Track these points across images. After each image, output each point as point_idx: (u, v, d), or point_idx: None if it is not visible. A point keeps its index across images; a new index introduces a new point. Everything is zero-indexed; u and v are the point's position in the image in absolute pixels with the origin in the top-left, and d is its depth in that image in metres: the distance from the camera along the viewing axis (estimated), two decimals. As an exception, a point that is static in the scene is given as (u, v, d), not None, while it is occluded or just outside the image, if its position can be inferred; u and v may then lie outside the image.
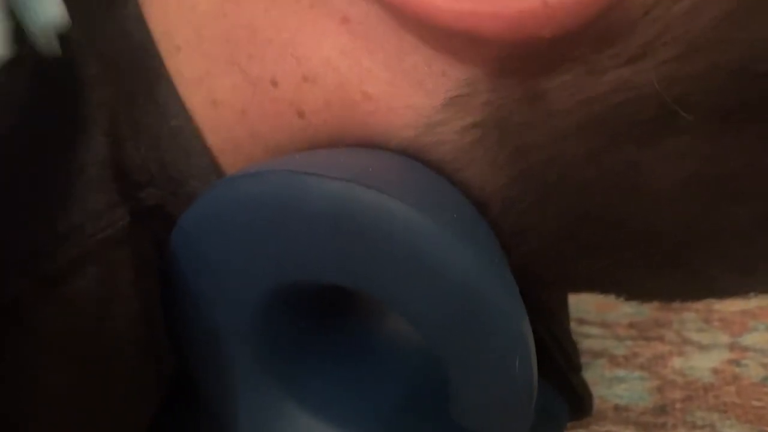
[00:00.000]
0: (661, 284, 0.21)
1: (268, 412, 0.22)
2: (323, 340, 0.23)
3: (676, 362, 0.29)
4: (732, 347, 0.31)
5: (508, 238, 0.18)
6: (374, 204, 0.16)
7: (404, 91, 0.18)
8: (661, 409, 0.26)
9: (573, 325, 0.29)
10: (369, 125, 0.18)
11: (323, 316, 0.24)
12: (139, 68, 0.19)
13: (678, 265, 0.20)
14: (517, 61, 0.17)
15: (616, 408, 0.26)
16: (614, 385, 0.27)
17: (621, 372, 0.28)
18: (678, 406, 0.26)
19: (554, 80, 0.16)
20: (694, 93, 0.16)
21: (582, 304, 0.35)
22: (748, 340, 0.31)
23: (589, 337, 0.31)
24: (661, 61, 0.16)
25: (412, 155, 0.18)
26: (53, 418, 0.17)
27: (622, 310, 0.35)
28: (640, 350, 0.30)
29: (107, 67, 0.19)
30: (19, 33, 0.16)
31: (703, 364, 0.29)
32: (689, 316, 0.34)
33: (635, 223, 0.19)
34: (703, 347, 0.31)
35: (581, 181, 0.18)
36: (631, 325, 0.33)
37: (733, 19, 0.15)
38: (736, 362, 0.29)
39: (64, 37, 0.18)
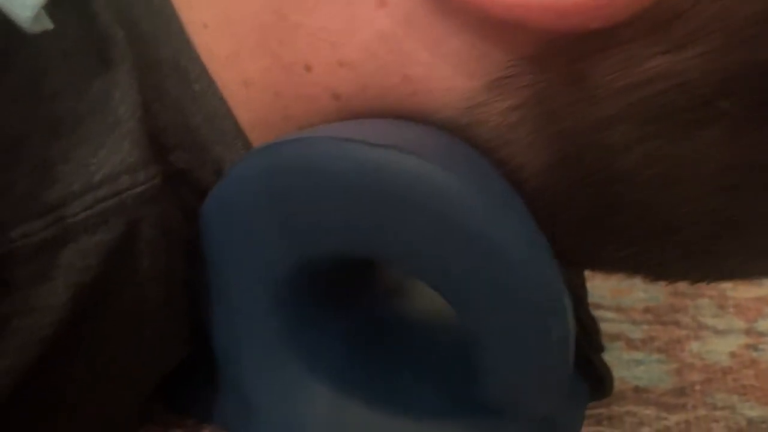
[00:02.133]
0: (687, 269, 0.21)
1: (290, 385, 0.21)
2: (344, 319, 0.23)
3: (694, 346, 0.29)
4: (748, 332, 0.31)
5: (539, 220, 0.18)
6: (416, 171, 0.16)
7: (445, 74, 0.18)
8: (681, 391, 0.26)
9: (592, 307, 0.28)
10: (407, 107, 0.18)
11: (344, 296, 0.24)
12: (160, 34, 0.19)
13: (705, 252, 0.20)
14: (561, 45, 0.17)
15: (636, 389, 0.26)
16: (632, 368, 0.27)
17: (639, 355, 0.28)
18: (697, 388, 0.26)
19: (598, 65, 0.16)
20: (733, 83, 0.16)
21: (596, 290, 0.35)
22: (764, 326, 0.31)
23: (604, 321, 0.31)
24: (704, 51, 0.16)
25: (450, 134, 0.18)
26: (73, 361, 0.17)
27: (637, 295, 0.35)
28: (656, 334, 0.30)
29: (129, 32, 0.19)
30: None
31: (720, 348, 0.29)
32: (704, 302, 0.34)
33: (665, 212, 0.19)
34: (719, 332, 0.31)
35: (618, 169, 0.18)
36: (646, 310, 0.33)
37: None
38: (753, 347, 0.29)
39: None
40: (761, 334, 0.30)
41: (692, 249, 0.19)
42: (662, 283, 0.36)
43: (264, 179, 0.18)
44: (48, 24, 0.15)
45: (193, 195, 0.19)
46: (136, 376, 0.19)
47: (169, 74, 0.19)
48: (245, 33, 0.19)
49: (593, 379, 0.25)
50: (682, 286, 0.36)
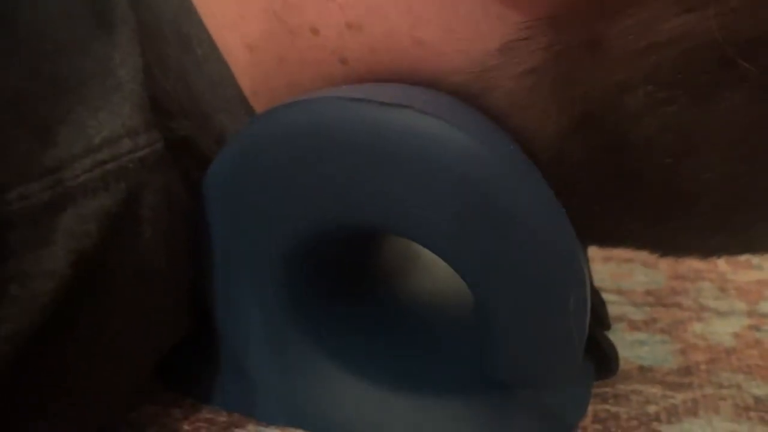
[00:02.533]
0: (703, 241, 0.21)
1: (295, 363, 0.21)
2: (348, 297, 0.23)
3: (697, 327, 0.29)
4: (750, 314, 0.30)
5: (556, 191, 0.17)
6: (434, 131, 0.15)
7: (457, 36, 0.17)
8: (686, 370, 0.25)
9: (597, 286, 0.28)
10: (417, 71, 0.18)
11: (346, 275, 0.23)
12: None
13: (723, 222, 0.20)
14: (579, 5, 0.16)
15: (641, 368, 0.25)
16: (636, 348, 0.27)
17: (642, 336, 0.28)
18: (702, 367, 0.26)
19: (615, 26, 0.16)
20: (757, 45, 0.16)
21: (596, 273, 0.34)
22: (766, 307, 0.31)
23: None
24: (727, 9, 0.15)
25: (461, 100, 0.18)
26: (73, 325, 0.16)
27: (638, 278, 0.34)
28: (658, 316, 0.30)
29: None
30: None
31: (723, 329, 0.29)
32: (705, 285, 0.34)
33: (684, 181, 0.18)
34: (721, 314, 0.30)
35: (636, 136, 0.17)
36: (647, 293, 0.33)
37: None
38: (756, 328, 0.29)
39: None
40: (763, 315, 0.30)
41: (710, 220, 0.19)
42: (662, 267, 0.36)
43: (269, 146, 0.17)
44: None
45: (195, 164, 0.19)
46: (135, 351, 0.19)
47: (171, 39, 0.18)
48: None
49: (599, 358, 0.24)
50: (682, 269, 0.36)
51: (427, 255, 0.26)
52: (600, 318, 0.26)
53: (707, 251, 0.21)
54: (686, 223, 0.19)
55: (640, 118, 0.17)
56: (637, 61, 0.16)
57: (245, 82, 0.19)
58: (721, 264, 0.37)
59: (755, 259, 0.38)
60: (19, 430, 0.16)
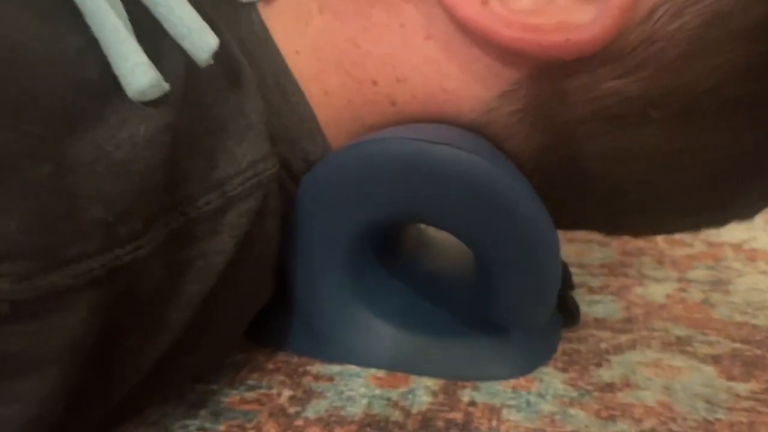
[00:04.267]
0: (637, 225, 0.30)
1: (352, 320, 0.30)
2: (385, 270, 0.31)
3: (638, 290, 0.38)
4: (680, 280, 0.40)
5: (536, 190, 0.26)
6: (464, 160, 0.24)
7: (471, 87, 0.26)
8: (628, 320, 0.34)
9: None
10: (443, 110, 0.26)
11: (388, 254, 0.32)
12: (266, 61, 0.27)
13: (649, 212, 0.29)
14: (549, 70, 0.25)
15: (596, 320, 0.34)
16: (593, 305, 0.36)
17: (597, 297, 0.37)
18: (640, 318, 0.35)
19: (573, 83, 0.25)
20: (661, 99, 0.24)
21: (563, 251, 0.43)
22: (692, 275, 0.40)
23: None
24: (642, 77, 0.24)
25: (472, 131, 0.26)
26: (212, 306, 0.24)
27: (594, 255, 0.43)
28: (610, 282, 0.39)
29: (248, 59, 0.26)
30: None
31: (658, 291, 0.38)
32: (646, 259, 0.43)
33: (620, 182, 0.27)
34: (657, 280, 0.40)
35: (586, 152, 0.26)
36: (602, 265, 0.42)
37: (687, 59, 0.23)
38: (683, 290, 0.38)
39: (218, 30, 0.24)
40: (689, 281, 0.40)
41: (640, 210, 0.28)
42: (614, 245, 0.45)
43: (348, 169, 0.25)
44: (211, 60, 0.22)
45: (288, 177, 0.27)
46: (248, 308, 0.27)
47: (273, 88, 0.26)
48: (328, 57, 0.26)
49: (566, 312, 0.33)
50: (629, 247, 0.45)
51: (436, 239, 0.35)
52: (567, 283, 0.35)
53: (637, 232, 0.30)
54: (620, 211, 0.28)
55: (589, 141, 0.25)
56: (587, 106, 0.25)
57: (321, 117, 0.27)
58: (660, 242, 0.46)
59: (688, 238, 0.47)
60: (180, 360, 0.24)
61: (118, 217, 0.18)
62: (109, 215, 0.18)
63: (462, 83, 0.26)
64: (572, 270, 0.40)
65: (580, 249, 0.44)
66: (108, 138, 0.18)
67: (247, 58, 0.25)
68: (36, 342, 0.17)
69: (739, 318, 0.34)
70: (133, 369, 0.21)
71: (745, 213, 0.29)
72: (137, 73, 0.19)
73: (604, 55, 0.24)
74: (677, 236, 0.47)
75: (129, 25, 0.20)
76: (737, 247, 0.45)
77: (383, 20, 0.26)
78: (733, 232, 0.48)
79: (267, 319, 0.30)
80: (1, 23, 0.18)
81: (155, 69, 0.20)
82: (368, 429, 0.25)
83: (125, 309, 0.19)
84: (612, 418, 0.26)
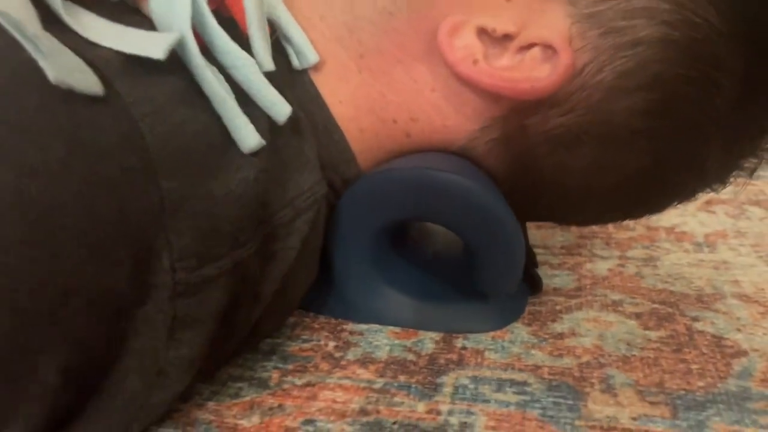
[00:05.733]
0: (580, 218, 0.41)
1: (376, 291, 0.41)
2: (399, 252, 0.42)
3: (588, 266, 0.49)
4: (621, 257, 0.51)
5: (506, 196, 0.37)
6: (459, 183, 0.35)
7: (462, 123, 0.37)
8: (578, 289, 0.46)
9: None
10: (442, 139, 0.37)
11: (400, 242, 0.43)
12: (315, 111, 0.37)
13: (584, 207, 0.40)
14: (516, 111, 0.36)
15: (554, 289, 0.46)
16: (553, 278, 0.47)
17: (556, 271, 0.48)
18: (588, 287, 0.46)
19: (531, 120, 0.36)
20: (588, 130, 0.35)
21: (532, 236, 0.55)
22: (630, 253, 0.52)
23: (537, 254, 0.51)
24: (578, 116, 0.35)
25: (461, 155, 0.37)
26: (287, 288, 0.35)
27: (556, 238, 0.55)
28: (567, 260, 0.51)
29: (304, 112, 0.36)
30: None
31: (603, 267, 0.49)
32: (597, 241, 0.54)
33: (567, 188, 0.38)
34: (604, 258, 0.51)
35: (544, 166, 0.37)
36: (561, 247, 0.53)
37: (605, 102, 0.34)
38: (622, 265, 0.50)
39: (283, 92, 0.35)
40: (628, 258, 0.51)
41: (579, 206, 0.39)
42: (573, 230, 0.57)
43: (376, 188, 0.36)
44: (285, 120, 0.33)
45: (332, 192, 0.38)
46: (304, 284, 0.38)
47: (322, 131, 0.37)
48: (362, 105, 0.37)
49: (531, 283, 0.44)
50: (585, 231, 0.56)
51: (434, 230, 0.46)
52: (532, 262, 0.46)
53: (580, 223, 0.41)
54: (566, 207, 0.39)
55: (543, 159, 0.37)
56: (541, 135, 0.36)
57: (356, 148, 0.38)
58: (610, 227, 0.58)
59: (632, 224, 0.58)
60: (263, 322, 0.35)
61: (238, 230, 0.29)
62: (234, 229, 0.29)
63: (456, 121, 0.37)
64: (537, 251, 0.52)
65: (546, 233, 0.56)
66: (231, 179, 0.29)
67: (303, 110, 0.36)
68: (196, 309, 0.28)
69: (660, 286, 0.46)
70: (243, 328, 0.32)
71: (654, 209, 0.41)
72: (248, 137, 0.30)
73: (552, 100, 0.35)
74: (624, 222, 0.59)
75: (235, 102, 0.30)
76: (669, 230, 0.57)
77: (402, 78, 0.36)
78: (669, 217, 0.59)
79: (311, 292, 0.41)
80: (181, 114, 0.28)
81: (257, 132, 0.30)
82: (392, 365, 0.36)
83: (240, 288, 0.30)
84: (560, 356, 0.37)
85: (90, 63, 0.26)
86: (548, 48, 0.34)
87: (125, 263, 0.25)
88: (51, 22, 0.27)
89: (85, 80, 0.24)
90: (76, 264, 0.24)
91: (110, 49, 0.27)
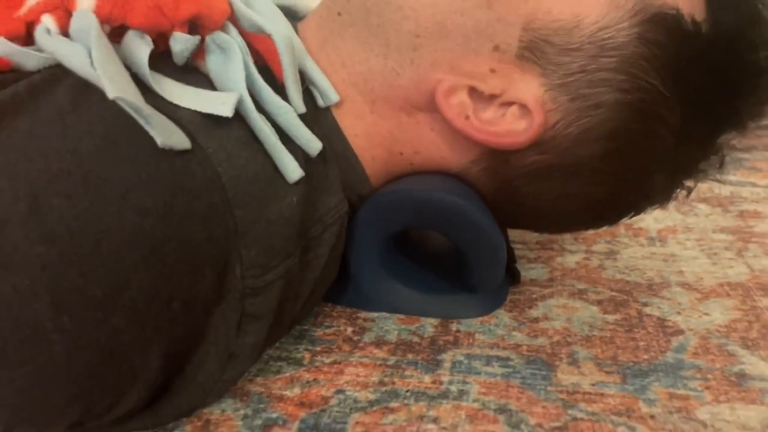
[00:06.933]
0: (553, 228, 0.50)
1: (385, 285, 0.50)
2: (402, 251, 0.51)
3: (559, 259, 0.59)
4: (586, 251, 0.60)
5: (494, 214, 0.46)
6: (453, 202, 0.43)
7: (456, 157, 0.46)
8: (551, 279, 0.55)
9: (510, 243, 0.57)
10: (440, 166, 0.46)
11: (402, 243, 0.52)
12: (337, 143, 0.45)
13: (555, 222, 0.49)
14: (499, 151, 0.44)
15: (531, 280, 0.55)
16: (529, 271, 0.56)
17: (532, 265, 0.58)
18: (558, 278, 0.55)
19: (512, 156, 0.45)
20: (558, 166, 0.45)
21: (512, 235, 0.64)
22: (595, 248, 0.61)
23: (516, 249, 0.60)
24: (549, 155, 0.44)
25: (455, 177, 0.46)
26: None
27: (533, 235, 0.64)
28: (542, 254, 0.60)
29: (325, 140, 0.44)
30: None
31: (571, 260, 0.58)
32: (568, 238, 0.63)
33: (541, 205, 0.47)
34: (572, 252, 0.60)
35: (521, 193, 0.46)
36: (537, 242, 0.62)
37: (572, 148, 0.43)
38: (587, 258, 0.59)
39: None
40: (592, 252, 0.60)
41: (551, 221, 0.48)
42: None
43: (386, 204, 0.45)
44: (319, 150, 0.41)
45: (350, 207, 0.46)
46: (327, 282, 0.46)
47: (342, 159, 0.45)
48: (374, 139, 0.45)
49: (511, 275, 0.53)
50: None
51: (431, 235, 0.55)
52: (512, 258, 0.55)
53: (552, 231, 0.51)
54: (540, 221, 0.48)
55: (521, 186, 0.45)
56: (520, 168, 0.44)
57: (369, 172, 0.46)
58: (579, 224, 0.67)
59: (597, 220, 0.67)
60: (299, 314, 0.43)
61: (288, 244, 0.37)
62: (285, 244, 0.37)
63: (451, 154, 0.45)
64: (516, 246, 0.61)
65: (523, 233, 0.64)
66: (281, 205, 0.37)
67: (326, 141, 0.44)
68: (259, 306, 0.36)
69: (618, 276, 0.55)
70: (288, 320, 0.41)
71: (611, 223, 0.50)
72: (293, 171, 0.38)
73: (530, 146, 0.44)
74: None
75: (281, 143, 0.38)
76: (628, 226, 0.66)
77: (407, 120, 0.45)
78: (629, 214, 0.69)
79: (331, 287, 0.50)
80: (244, 157, 0.36)
81: (298, 165, 0.38)
82: (401, 346, 0.45)
83: (288, 289, 0.39)
84: (536, 336, 0.46)
85: (178, 122, 0.33)
86: (524, 107, 0.42)
87: (209, 274, 0.33)
88: (141, 87, 0.35)
89: (179, 140, 0.33)
90: (178, 278, 0.32)
91: (189, 110, 0.35)
